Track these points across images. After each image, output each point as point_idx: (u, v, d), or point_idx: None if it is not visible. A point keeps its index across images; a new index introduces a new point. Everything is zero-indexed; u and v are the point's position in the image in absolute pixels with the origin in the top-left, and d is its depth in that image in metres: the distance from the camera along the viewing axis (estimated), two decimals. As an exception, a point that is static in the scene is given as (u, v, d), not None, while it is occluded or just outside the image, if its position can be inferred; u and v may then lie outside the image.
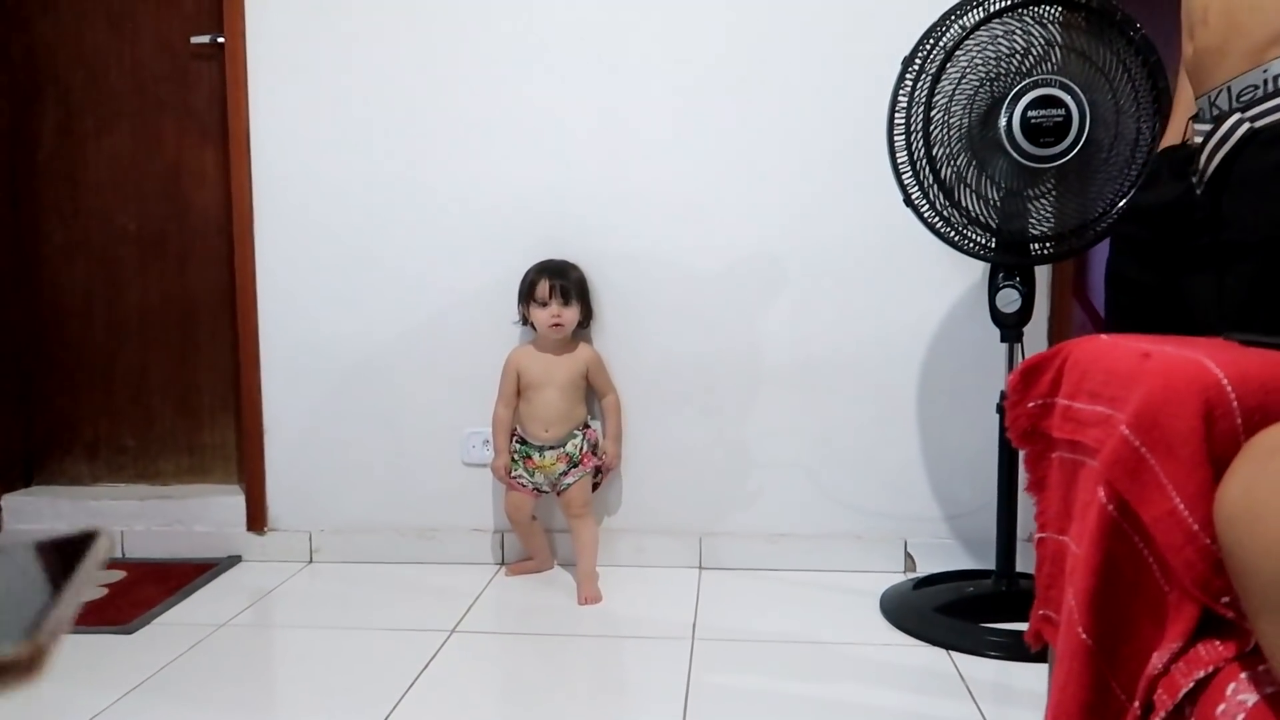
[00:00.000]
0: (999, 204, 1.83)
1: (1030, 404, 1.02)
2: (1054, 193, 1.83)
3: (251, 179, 2.31)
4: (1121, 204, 1.79)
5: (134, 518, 2.42)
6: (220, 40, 2.31)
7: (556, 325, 2.11)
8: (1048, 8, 1.76)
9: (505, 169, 2.25)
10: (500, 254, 2.25)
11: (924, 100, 1.82)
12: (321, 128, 2.29)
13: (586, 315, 2.19)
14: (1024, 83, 1.75)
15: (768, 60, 2.17)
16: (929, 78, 1.81)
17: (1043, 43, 1.76)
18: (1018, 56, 1.78)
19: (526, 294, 2.15)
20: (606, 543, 2.26)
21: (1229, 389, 0.76)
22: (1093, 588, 0.82)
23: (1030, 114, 1.75)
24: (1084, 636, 0.83)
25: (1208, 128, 1.37)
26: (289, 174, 2.30)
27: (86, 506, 2.43)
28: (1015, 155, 1.77)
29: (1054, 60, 1.76)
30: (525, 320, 2.18)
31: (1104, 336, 0.96)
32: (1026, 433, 1.03)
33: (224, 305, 2.45)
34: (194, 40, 2.37)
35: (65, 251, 2.49)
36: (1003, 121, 1.76)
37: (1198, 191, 1.35)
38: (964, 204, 1.85)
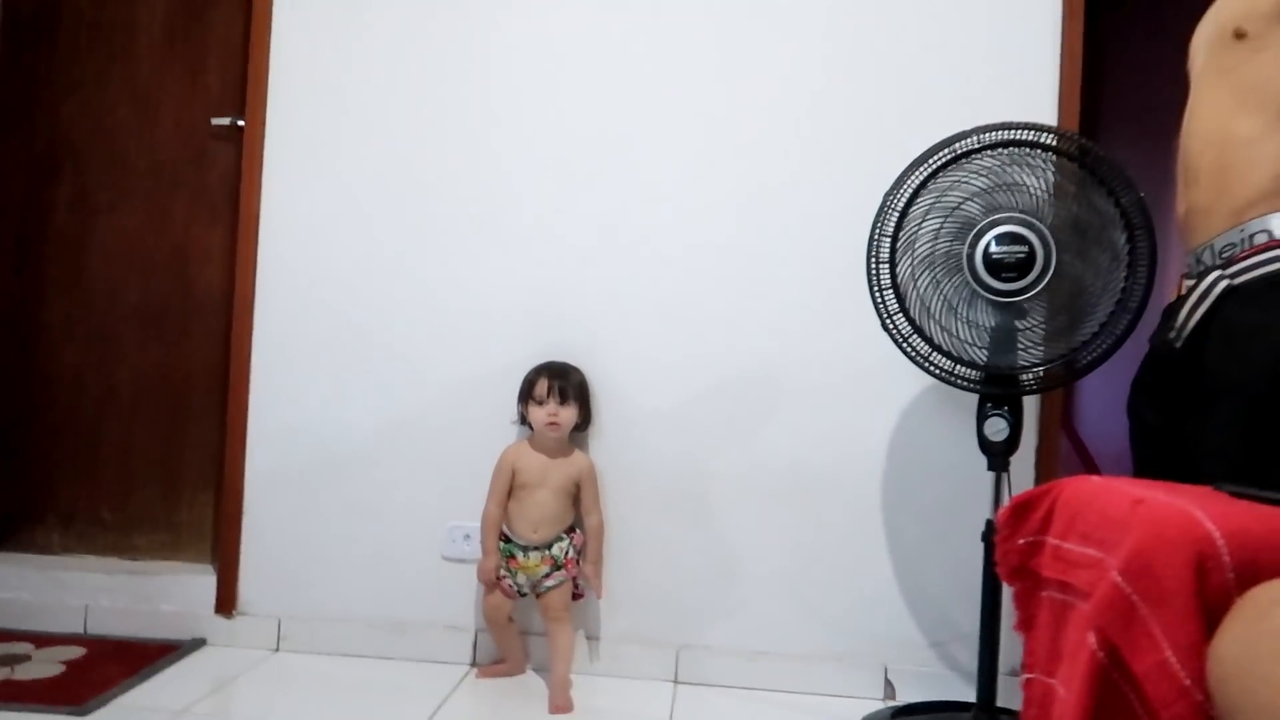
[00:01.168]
0: (974, 335, 1.86)
1: (1020, 541, 1.02)
2: (1040, 326, 1.86)
3: (257, 260, 2.34)
4: (1102, 341, 1.81)
5: (100, 592, 2.36)
6: (240, 123, 2.38)
7: (553, 424, 2.11)
8: (1016, 150, 1.82)
9: (507, 267, 2.29)
10: (494, 351, 2.27)
11: (890, 234, 1.91)
12: (330, 214, 2.33)
13: (585, 418, 2.19)
14: (986, 220, 1.81)
15: (772, 178, 2.24)
16: (895, 214, 1.90)
17: (1009, 183, 1.82)
18: (984, 195, 1.84)
19: (526, 393, 2.16)
20: (582, 649, 2.21)
21: (1220, 542, 0.77)
22: (1082, 736, 0.81)
23: (993, 250, 1.80)
24: (1073, 787, 0.82)
25: (1192, 282, 1.43)
26: (294, 258, 2.34)
27: (53, 577, 2.37)
28: (980, 290, 1.82)
29: (1022, 199, 1.80)
30: (524, 419, 2.18)
31: (1095, 478, 0.97)
32: (1016, 570, 1.03)
33: (217, 384, 2.45)
34: (214, 122, 2.44)
35: (65, 321, 2.50)
36: (966, 257, 1.82)
37: (1177, 345, 1.41)
38: (928, 333, 1.90)
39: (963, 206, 1.86)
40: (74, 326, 2.50)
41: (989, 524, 1.92)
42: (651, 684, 2.20)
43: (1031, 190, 1.80)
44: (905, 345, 1.94)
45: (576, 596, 2.18)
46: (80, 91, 2.50)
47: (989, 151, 1.85)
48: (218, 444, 2.43)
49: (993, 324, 1.86)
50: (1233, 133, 1.39)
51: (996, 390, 1.89)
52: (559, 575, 2.12)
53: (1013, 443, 1.91)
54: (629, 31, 2.28)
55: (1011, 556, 1.04)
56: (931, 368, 1.91)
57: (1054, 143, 1.82)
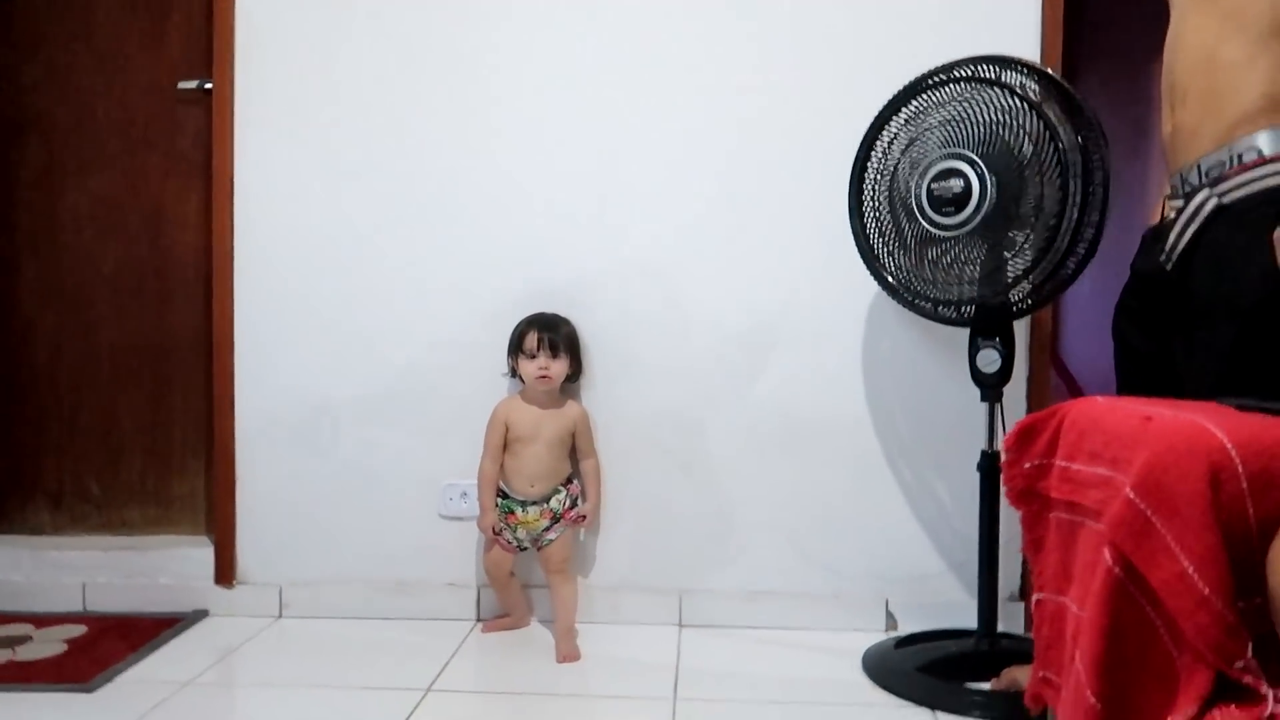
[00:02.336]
0: (956, 271, 1.86)
1: (1027, 464, 1.03)
2: (1027, 253, 1.85)
3: (233, 224, 2.29)
4: (1032, 275, 1.81)
5: (96, 569, 2.34)
6: (208, 86, 2.31)
7: (544, 378, 2.10)
8: (960, 85, 1.82)
9: (490, 222, 2.25)
10: (482, 305, 2.25)
11: (858, 178, 1.95)
12: (305, 176, 2.28)
13: (576, 369, 2.18)
14: (930, 158, 1.82)
15: (758, 125, 2.20)
16: (863, 159, 1.95)
17: (955, 118, 1.82)
18: (933, 133, 1.84)
19: (516, 346, 2.14)
20: (584, 599, 2.22)
21: (1233, 453, 0.77)
22: (1100, 651, 0.82)
23: (933, 186, 1.81)
24: (1093, 700, 0.83)
25: (1179, 203, 1.43)
26: (271, 220, 2.29)
27: (47, 557, 2.35)
28: (928, 226, 1.83)
29: (966, 133, 1.80)
30: (514, 372, 2.17)
31: (1100, 398, 0.97)
32: (1023, 493, 1.03)
33: (200, 350, 2.41)
34: (181, 85, 2.36)
35: (39, 290, 2.44)
36: (914, 195, 1.84)
37: (1167, 267, 1.42)
38: (888, 266, 1.95)
39: (912, 146, 1.88)
40: (49, 296, 2.44)
41: (984, 455, 1.94)
42: (656, 629, 2.22)
43: (974, 123, 1.79)
44: (883, 282, 1.97)
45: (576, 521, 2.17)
46: (42, 54, 2.41)
47: (934, 91, 1.85)
48: (204, 412, 2.40)
49: (981, 256, 1.85)
50: (1219, 55, 1.39)
51: (986, 321, 1.90)
52: (559, 528, 2.13)
53: (1005, 373, 1.93)
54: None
55: (1018, 480, 1.04)
56: (912, 303, 1.93)
57: (985, 73, 1.81)
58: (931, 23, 2.14)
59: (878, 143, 1.94)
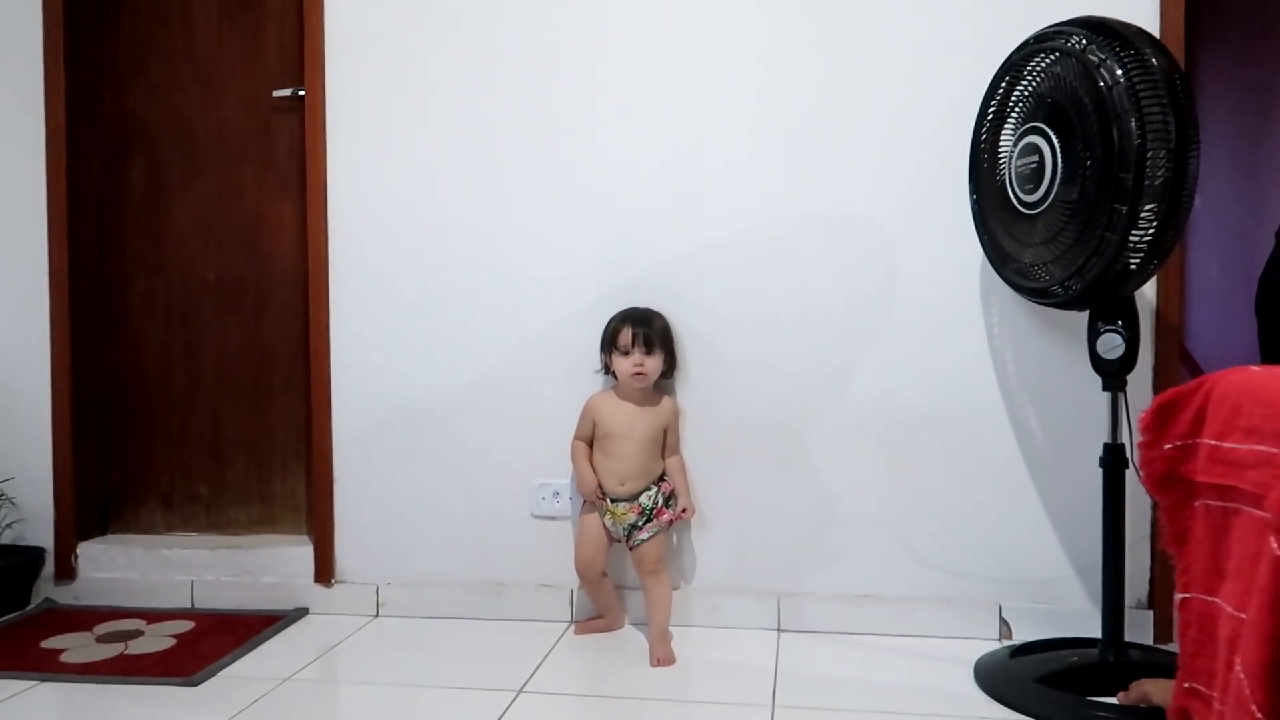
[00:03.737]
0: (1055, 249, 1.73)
1: (1167, 445, 0.92)
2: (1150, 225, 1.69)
3: (328, 230, 2.32)
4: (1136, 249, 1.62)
5: (204, 567, 2.40)
6: (301, 93, 2.35)
7: (639, 374, 2.05)
8: (1045, 58, 1.71)
9: (579, 218, 2.22)
10: (572, 304, 2.22)
11: (987, 145, 1.86)
12: (396, 179, 2.30)
13: (670, 365, 2.12)
14: (1019, 130, 1.74)
15: (848, 106, 2.12)
16: (980, 134, 1.88)
17: (1038, 92, 1.73)
18: (1022, 106, 1.77)
19: (609, 342, 2.09)
20: (680, 602, 2.16)
21: None
22: (1269, 658, 0.71)
23: (1018, 163, 1.73)
24: (1258, 715, 0.72)
25: None
26: (364, 224, 2.31)
27: (159, 555, 2.43)
28: (1017, 205, 1.77)
29: (1042, 106, 1.70)
30: (607, 369, 2.12)
31: (1256, 367, 0.86)
32: (1164, 478, 0.92)
33: (298, 355, 2.45)
34: (276, 94, 2.42)
35: (148, 303, 2.53)
36: (1005, 175, 1.77)
37: None
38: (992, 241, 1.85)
39: (1007, 119, 1.80)
40: (156, 306, 2.53)
41: (1107, 448, 1.80)
42: (753, 633, 2.14)
43: (1047, 95, 1.68)
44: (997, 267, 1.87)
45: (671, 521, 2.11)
46: (145, 71, 2.51)
47: (1036, 59, 1.74)
48: (304, 416, 2.44)
49: (1077, 230, 1.71)
50: None
51: (1103, 301, 1.74)
52: (651, 527, 2.07)
53: (1129, 360, 1.78)
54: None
55: (1158, 464, 0.93)
56: (1018, 279, 1.82)
57: (1081, 41, 1.65)
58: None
59: (990, 110, 1.85)
